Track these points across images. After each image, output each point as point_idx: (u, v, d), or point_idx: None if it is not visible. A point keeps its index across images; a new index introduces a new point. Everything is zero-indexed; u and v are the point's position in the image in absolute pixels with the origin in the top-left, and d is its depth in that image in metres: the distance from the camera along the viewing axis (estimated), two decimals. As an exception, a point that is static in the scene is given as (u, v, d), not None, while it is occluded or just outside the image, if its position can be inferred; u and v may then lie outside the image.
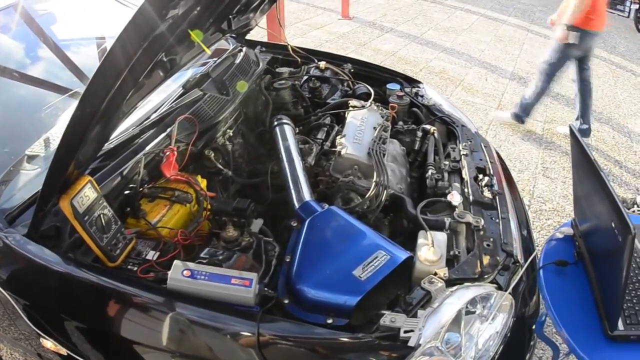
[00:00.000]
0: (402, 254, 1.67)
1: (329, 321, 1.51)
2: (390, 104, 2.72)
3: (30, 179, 2.02)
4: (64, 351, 1.80)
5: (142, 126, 2.16)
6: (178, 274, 1.54)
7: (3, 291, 1.77)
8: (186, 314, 1.51)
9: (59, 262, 1.66)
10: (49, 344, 1.83)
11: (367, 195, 2.07)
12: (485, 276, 1.70)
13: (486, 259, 1.76)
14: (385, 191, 2.08)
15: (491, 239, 1.86)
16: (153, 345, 1.59)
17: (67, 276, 1.64)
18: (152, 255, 1.72)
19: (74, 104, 2.32)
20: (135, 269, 1.67)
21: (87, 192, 1.62)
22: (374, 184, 2.09)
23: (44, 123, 2.28)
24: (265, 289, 1.56)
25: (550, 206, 4.07)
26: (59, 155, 1.51)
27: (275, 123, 2.34)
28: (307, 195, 1.96)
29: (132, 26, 1.40)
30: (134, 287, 1.59)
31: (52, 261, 1.67)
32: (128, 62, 1.50)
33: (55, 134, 2.20)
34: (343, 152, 2.26)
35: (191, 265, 1.57)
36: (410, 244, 1.83)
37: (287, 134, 2.27)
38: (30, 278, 1.75)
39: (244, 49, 2.90)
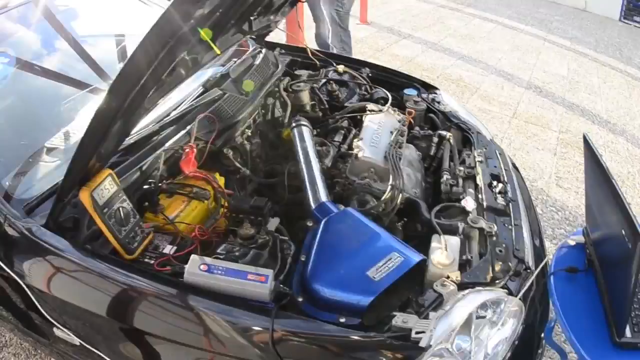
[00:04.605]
0: (416, 257, 1.69)
1: (342, 320, 1.53)
2: (407, 109, 2.74)
3: (49, 170, 2.05)
4: (76, 341, 1.84)
5: (163, 123, 2.19)
6: (195, 268, 1.57)
7: (19, 280, 1.80)
8: (201, 307, 1.54)
9: (76, 253, 1.69)
10: (61, 333, 1.87)
11: (382, 198, 2.09)
12: (497, 281, 1.72)
13: (498, 265, 1.77)
14: (400, 195, 2.10)
15: (503, 245, 1.87)
16: (167, 338, 1.62)
17: (83, 267, 1.67)
18: (169, 249, 1.74)
19: (92, 99, 2.40)
20: (152, 262, 1.70)
21: (107, 185, 1.66)
22: (389, 187, 2.11)
23: (62, 116, 2.32)
24: (281, 285, 1.58)
25: (562, 215, 4.07)
26: (82, 148, 1.55)
27: (294, 124, 2.36)
28: (323, 196, 1.99)
29: (159, 25, 1.43)
30: (151, 280, 1.62)
31: (69, 252, 1.70)
32: (153, 60, 1.53)
33: (75, 127, 2.24)
34: (360, 155, 2.28)
35: (208, 259, 1.60)
36: (423, 247, 1.84)
37: (305, 136, 2.29)
38: (47, 268, 1.77)
39: (264, 50, 2.93)
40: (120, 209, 1.69)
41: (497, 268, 1.76)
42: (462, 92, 5.93)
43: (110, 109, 1.53)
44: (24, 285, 1.81)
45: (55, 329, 1.87)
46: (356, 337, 1.49)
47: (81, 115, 2.31)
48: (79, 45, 2.69)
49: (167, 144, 2.10)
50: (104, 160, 1.72)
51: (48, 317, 1.83)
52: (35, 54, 2.62)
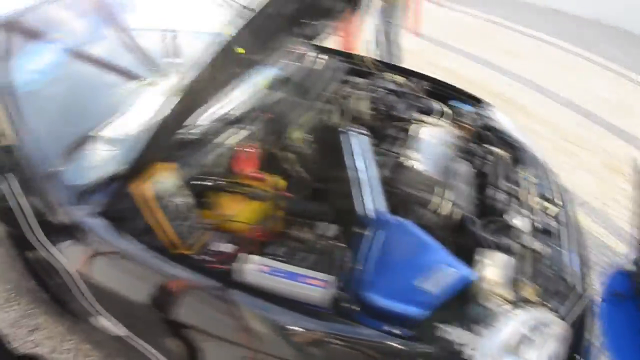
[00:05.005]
0: (471, 273, 1.71)
1: (395, 330, 1.55)
2: (461, 124, 2.75)
3: (103, 159, 2.09)
4: (121, 331, 1.88)
5: (224, 121, 2.22)
6: (255, 268, 1.61)
7: (65, 266, 1.84)
8: (259, 307, 1.57)
9: (130, 244, 1.73)
10: (105, 322, 1.90)
11: (435, 211, 2.11)
12: (545, 303, 1.73)
13: (546, 286, 1.79)
14: (453, 208, 2.11)
15: (553, 267, 1.89)
16: (220, 336, 1.64)
17: (137, 258, 1.71)
18: (227, 247, 1.77)
19: (144, 91, 2.43)
20: (209, 258, 1.73)
21: (169, 179, 1.70)
22: (444, 201, 2.13)
23: (113, 106, 2.35)
24: (340, 292, 1.61)
25: (610, 241, 4.03)
26: (149, 142, 1.60)
27: (351, 132, 2.37)
28: (380, 205, 2.00)
29: (235, 30, 1.48)
30: (208, 276, 1.65)
31: (124, 242, 1.74)
32: (225, 62, 1.57)
33: (127, 118, 2.28)
34: (416, 167, 2.30)
35: (268, 261, 1.64)
36: (472, 262, 1.85)
37: (362, 144, 2.31)
38: (98, 256, 1.80)
39: (323, 55, 2.94)
40: (180, 203, 1.72)
41: (545, 290, 1.78)
42: (506, 108, 5.81)
43: (184, 107, 1.57)
44: (70, 271, 1.85)
45: (98, 318, 1.91)
46: (408, 348, 1.52)
47: (133, 106, 2.36)
48: (130, 36, 2.74)
49: (228, 143, 2.13)
50: (167, 155, 1.76)
51: (93, 305, 1.87)
52: (87, 43, 2.66)
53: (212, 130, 2.14)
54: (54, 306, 2.50)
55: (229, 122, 2.22)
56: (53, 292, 2.26)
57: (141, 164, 1.68)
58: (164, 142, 1.66)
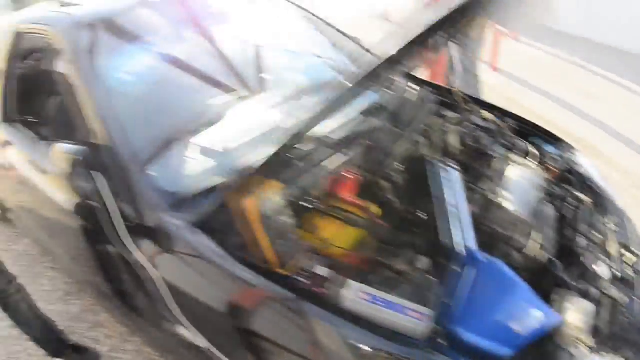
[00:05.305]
0: (557, 317, 1.71)
1: None
2: (547, 166, 2.72)
3: (200, 168, 2.13)
4: (201, 342, 1.89)
5: (325, 144, 2.22)
6: (354, 294, 1.61)
7: (154, 271, 1.88)
8: (354, 333, 1.57)
9: (225, 257, 1.74)
10: (184, 331, 1.91)
11: (523, 252, 2.10)
12: (622, 351, 1.72)
13: (623, 336, 1.78)
14: (540, 251, 2.10)
15: (631, 317, 1.87)
16: (306, 357, 1.65)
17: (230, 272, 1.72)
18: (322, 270, 1.75)
19: (237, 104, 2.47)
20: (304, 280, 1.72)
21: (273, 197, 1.71)
22: (530, 242, 2.12)
23: (206, 115, 2.38)
24: (436, 326, 1.61)
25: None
26: (264, 163, 1.64)
27: (442, 166, 2.36)
28: (471, 242, 1.98)
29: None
30: (303, 297, 1.65)
31: (218, 254, 1.75)
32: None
33: (223, 130, 2.32)
34: (506, 206, 2.29)
35: (367, 288, 1.64)
36: (551, 304, 1.84)
37: (454, 178, 2.30)
38: (189, 265, 1.83)
39: (416, 86, 2.94)
40: (282, 222, 1.73)
41: (624, 338, 1.77)
42: (582, 150, 5.70)
43: (299, 134, 1.65)
44: (154, 277, 1.88)
45: (179, 327, 1.93)
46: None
47: (226, 118, 2.39)
48: (221, 47, 2.79)
49: (328, 166, 2.14)
50: (273, 174, 1.78)
51: (174, 313, 1.88)
52: (179, 50, 2.73)
53: (314, 152, 2.14)
54: (121, 306, 2.54)
55: (329, 145, 2.22)
56: (122, 291, 2.30)
57: (248, 179, 1.72)
58: (274, 160, 1.70)
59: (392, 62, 1.68)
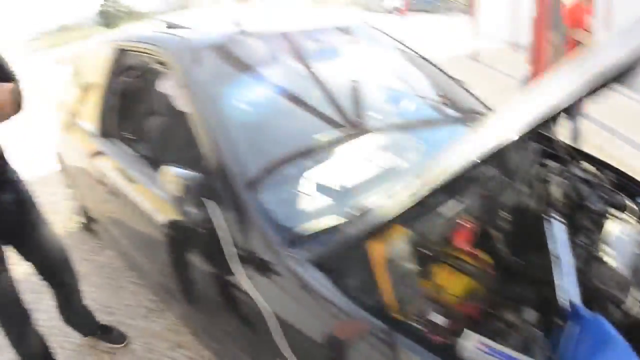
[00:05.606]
0: None
1: None
2: None
3: (318, 206, 2.12)
4: None
5: (444, 191, 2.15)
6: (472, 344, 1.60)
7: (266, 306, 1.86)
8: None
9: (343, 298, 1.71)
10: None
11: (627, 311, 2.05)
12: None
13: None
14: (639, 308, 2.06)
15: None
16: None
17: (347, 313, 1.70)
18: (438, 318, 1.74)
19: (344, 142, 2.46)
20: (421, 327, 1.70)
21: (399, 243, 1.71)
22: (630, 298, 2.07)
23: (318, 151, 2.36)
24: None
25: None
26: (399, 209, 1.65)
27: (553, 218, 2.32)
28: (576, 298, 1.94)
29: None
30: (419, 345, 1.61)
31: (336, 295, 1.73)
32: None
33: (339, 167, 2.31)
34: (608, 262, 2.25)
35: (486, 339, 1.62)
36: None
37: (560, 232, 2.25)
38: (304, 304, 1.81)
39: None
40: (406, 268, 1.73)
41: None
42: None
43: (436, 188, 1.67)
44: (263, 309, 1.87)
45: None
46: None
47: (338, 155, 2.38)
48: (326, 83, 2.77)
49: (446, 214, 2.11)
50: (403, 220, 1.76)
51: (280, 348, 1.85)
52: (287, 82, 2.78)
53: (435, 198, 2.11)
54: (211, 330, 2.54)
55: (448, 193, 2.21)
56: (232, 324, 2.27)
57: (377, 225, 1.71)
58: (407, 208, 1.68)
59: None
